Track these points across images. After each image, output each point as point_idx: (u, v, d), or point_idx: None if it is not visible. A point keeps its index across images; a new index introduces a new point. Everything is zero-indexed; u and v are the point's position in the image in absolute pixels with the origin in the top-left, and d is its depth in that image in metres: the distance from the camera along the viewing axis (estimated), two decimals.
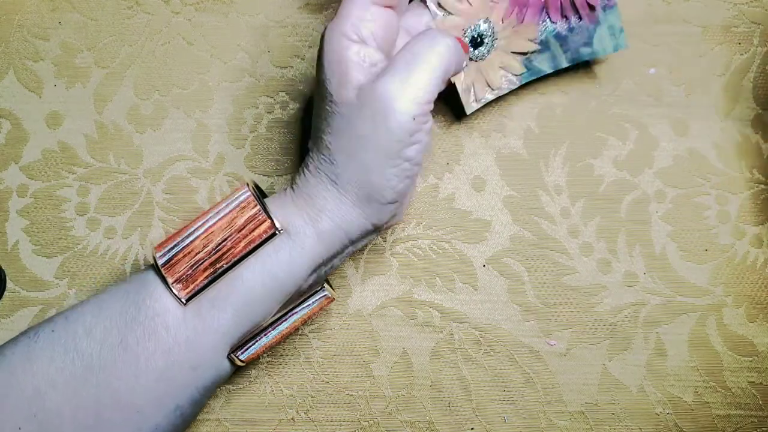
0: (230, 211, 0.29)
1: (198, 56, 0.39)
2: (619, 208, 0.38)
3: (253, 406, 0.36)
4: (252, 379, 0.37)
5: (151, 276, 0.29)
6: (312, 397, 0.36)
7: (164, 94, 0.39)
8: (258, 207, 0.29)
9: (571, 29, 0.36)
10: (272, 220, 0.29)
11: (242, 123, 0.39)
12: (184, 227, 0.30)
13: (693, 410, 0.36)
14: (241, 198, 0.30)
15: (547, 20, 0.36)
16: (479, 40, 0.35)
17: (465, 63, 0.33)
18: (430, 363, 0.37)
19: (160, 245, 0.29)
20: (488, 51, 0.36)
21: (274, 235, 0.29)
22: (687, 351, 0.37)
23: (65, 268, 0.37)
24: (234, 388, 0.36)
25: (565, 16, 0.36)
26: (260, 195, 0.31)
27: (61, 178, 0.38)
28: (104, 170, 0.38)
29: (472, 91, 0.37)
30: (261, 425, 0.36)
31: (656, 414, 0.36)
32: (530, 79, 0.37)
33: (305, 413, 0.36)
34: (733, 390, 0.36)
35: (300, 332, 0.37)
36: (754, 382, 0.36)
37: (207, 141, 0.38)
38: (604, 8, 0.35)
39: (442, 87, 0.30)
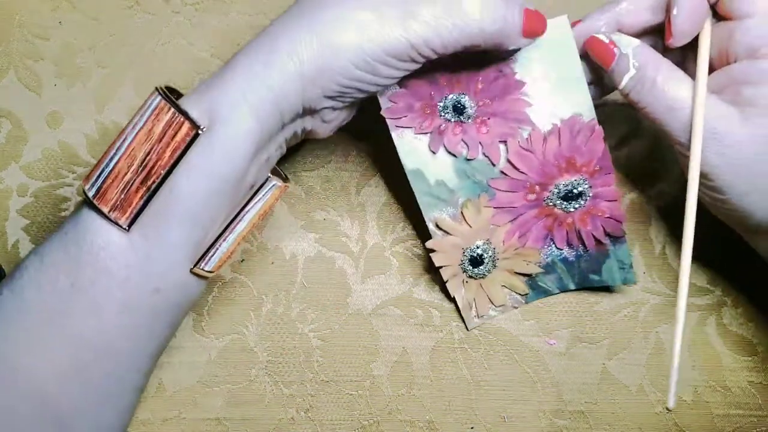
0: (146, 122, 0.27)
1: (198, 56, 0.39)
2: None
3: (253, 406, 0.36)
4: (252, 379, 0.37)
5: (86, 211, 0.28)
6: (312, 396, 0.37)
7: None
8: (172, 110, 0.27)
9: (578, 256, 0.35)
10: (191, 120, 0.27)
11: None
12: (106, 151, 0.28)
13: (692, 410, 0.36)
14: (153, 105, 0.27)
15: (553, 246, 0.35)
16: (478, 259, 0.35)
17: (512, 47, 0.30)
18: (430, 362, 0.37)
19: (87, 177, 0.28)
20: (488, 270, 0.35)
21: (197, 135, 0.27)
22: (687, 351, 0.37)
23: None
24: (234, 388, 0.36)
25: (570, 245, 0.35)
26: (176, 96, 0.29)
27: (61, 177, 0.38)
28: None
29: (474, 307, 0.36)
30: (261, 425, 0.36)
31: (656, 413, 0.36)
32: (537, 299, 0.36)
33: (305, 413, 0.36)
34: (732, 389, 0.36)
35: (300, 332, 0.37)
36: (753, 381, 0.37)
37: None
38: (614, 243, 0.34)
39: (455, 49, 0.28)
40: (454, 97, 0.33)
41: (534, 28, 0.30)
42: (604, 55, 0.31)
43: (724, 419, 0.36)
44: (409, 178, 0.33)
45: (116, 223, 0.27)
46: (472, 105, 0.33)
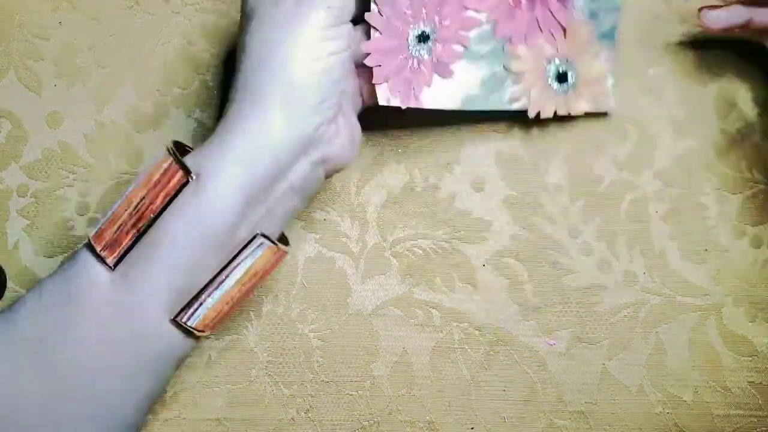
0: (148, 172, 0.28)
1: (198, 56, 0.39)
2: (619, 208, 0.38)
3: (253, 406, 0.36)
4: (252, 379, 0.37)
5: (83, 251, 0.29)
6: (312, 397, 0.37)
7: (164, 94, 0.39)
8: (171, 159, 0.28)
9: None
10: (184, 167, 0.28)
11: None
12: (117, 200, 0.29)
13: (692, 410, 0.36)
14: (159, 156, 0.29)
15: None
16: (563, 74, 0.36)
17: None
18: (430, 363, 0.37)
19: (95, 223, 0.29)
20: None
21: (187, 182, 0.27)
22: (687, 351, 0.37)
23: None
24: (234, 388, 0.37)
25: None
26: (184, 151, 0.30)
27: (61, 177, 0.38)
28: (104, 170, 0.38)
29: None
30: (261, 425, 0.36)
31: (656, 413, 0.36)
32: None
33: (305, 413, 0.36)
34: (732, 390, 0.36)
35: (300, 332, 0.37)
36: (753, 381, 0.37)
37: None
38: None
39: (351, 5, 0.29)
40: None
41: None
42: None
43: (724, 419, 0.36)
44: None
45: (104, 261, 0.28)
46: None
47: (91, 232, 0.28)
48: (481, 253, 0.38)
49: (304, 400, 0.37)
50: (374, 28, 0.31)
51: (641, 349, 0.37)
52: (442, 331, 0.37)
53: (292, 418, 0.36)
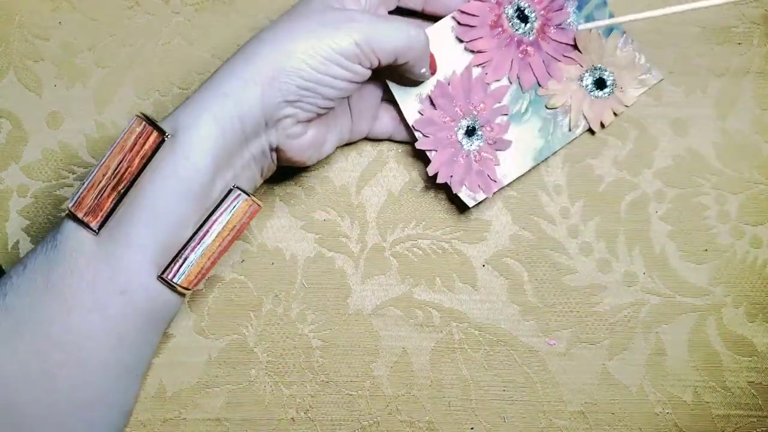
0: (122, 138, 0.29)
1: (198, 56, 0.39)
2: (618, 208, 0.38)
3: (253, 406, 0.36)
4: (252, 379, 0.37)
5: (66, 222, 0.29)
6: (312, 397, 0.37)
7: (164, 94, 0.39)
8: (144, 123, 0.29)
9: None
10: (158, 129, 0.29)
11: None
12: (89, 171, 0.30)
13: (692, 410, 0.36)
14: (130, 123, 0.30)
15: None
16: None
17: (423, 70, 0.34)
18: (430, 363, 0.37)
19: (72, 196, 0.30)
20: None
21: (163, 141, 0.29)
22: (686, 351, 0.37)
23: None
24: (234, 388, 0.37)
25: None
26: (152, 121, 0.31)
27: (61, 178, 0.38)
28: None
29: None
30: (261, 425, 0.36)
31: (656, 414, 0.36)
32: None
33: (305, 413, 0.36)
34: (732, 390, 0.36)
35: (300, 332, 0.37)
36: (753, 382, 0.37)
37: None
38: None
39: (389, 59, 0.31)
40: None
41: (433, 66, 0.35)
42: None
43: (724, 419, 0.36)
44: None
45: (88, 226, 0.29)
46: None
47: (70, 203, 0.29)
48: (481, 253, 0.38)
49: (304, 400, 0.37)
50: (428, 150, 0.36)
51: (641, 349, 0.37)
52: (442, 331, 0.37)
53: (292, 418, 0.36)
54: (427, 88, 0.36)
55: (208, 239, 0.30)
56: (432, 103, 0.36)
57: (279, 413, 0.36)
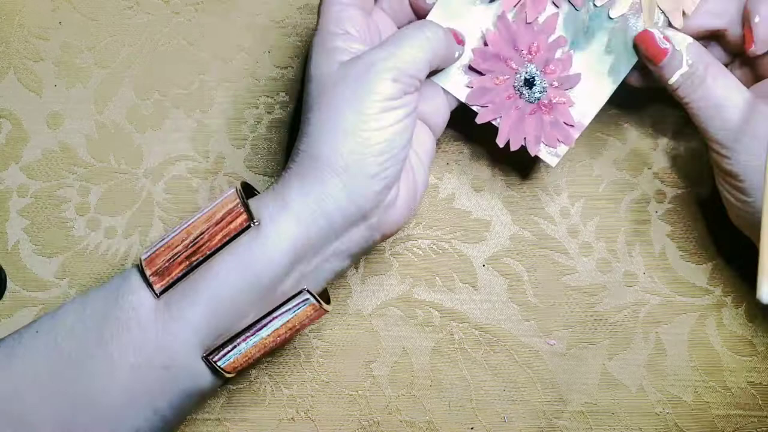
0: (213, 207, 0.29)
1: (198, 56, 0.39)
2: (618, 208, 0.38)
3: (253, 406, 0.36)
4: (252, 379, 0.37)
5: (134, 272, 0.29)
6: (312, 397, 0.37)
7: (164, 94, 0.39)
8: (238, 201, 0.29)
9: None
10: (249, 212, 0.28)
11: (242, 123, 0.39)
12: (175, 226, 0.30)
13: (692, 410, 0.36)
14: (226, 195, 0.30)
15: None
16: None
17: (457, 54, 0.32)
18: (430, 363, 0.37)
19: (151, 245, 0.29)
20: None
21: (249, 227, 0.28)
22: (686, 351, 0.37)
23: (66, 268, 0.37)
24: (234, 388, 0.37)
25: None
26: (250, 194, 0.31)
27: (61, 178, 0.38)
28: (104, 170, 0.38)
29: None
30: (261, 425, 0.36)
31: (656, 414, 0.36)
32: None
33: (305, 413, 0.36)
34: (732, 390, 0.36)
35: (300, 332, 0.37)
36: (753, 382, 0.37)
37: (207, 141, 0.38)
38: None
39: (427, 70, 0.30)
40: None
41: (459, 40, 0.32)
42: (657, 51, 0.31)
43: (724, 419, 0.36)
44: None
45: (151, 287, 0.28)
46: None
47: (144, 255, 0.29)
48: (481, 253, 0.38)
49: (304, 400, 0.37)
50: (492, 121, 0.33)
51: (641, 349, 0.37)
52: (442, 331, 0.37)
53: (292, 418, 0.36)
54: (465, 59, 0.33)
55: (264, 333, 0.29)
56: (478, 72, 0.33)
57: (279, 413, 0.36)
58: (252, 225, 0.28)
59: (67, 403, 0.27)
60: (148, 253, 0.29)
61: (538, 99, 0.33)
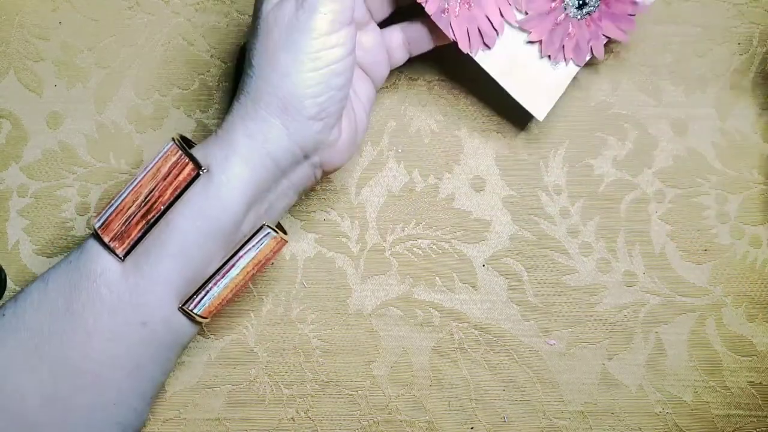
0: (155, 163, 0.29)
1: (198, 56, 0.39)
2: (618, 208, 0.38)
3: (253, 406, 0.36)
4: (252, 379, 0.37)
5: (91, 242, 0.29)
6: (312, 397, 0.37)
7: (164, 94, 0.39)
8: (180, 153, 0.29)
9: None
10: (195, 161, 0.29)
11: None
12: (119, 191, 0.30)
13: (692, 410, 0.36)
14: (165, 149, 0.29)
15: None
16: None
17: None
18: (430, 363, 0.37)
19: (98, 213, 0.29)
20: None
21: (198, 176, 0.28)
22: (686, 351, 0.37)
23: None
24: (234, 388, 0.37)
25: None
26: (188, 145, 0.31)
27: (61, 177, 0.38)
28: (105, 170, 0.38)
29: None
30: (261, 425, 0.36)
31: (656, 413, 0.36)
32: None
33: (305, 413, 0.36)
34: (732, 390, 0.36)
35: (300, 332, 0.37)
36: (753, 381, 0.37)
37: None
38: None
39: (361, 6, 0.31)
40: None
41: None
42: None
43: (724, 419, 0.36)
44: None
45: (114, 252, 0.28)
46: None
47: (97, 223, 0.29)
48: (481, 253, 0.38)
49: (304, 400, 0.37)
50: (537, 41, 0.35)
51: (641, 349, 0.37)
52: (442, 331, 0.37)
53: (292, 418, 0.36)
54: None
55: (233, 272, 0.30)
56: None
57: (279, 413, 0.36)
58: (201, 173, 0.28)
59: (48, 376, 0.28)
60: (101, 221, 0.29)
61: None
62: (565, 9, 0.35)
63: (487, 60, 0.35)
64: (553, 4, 0.35)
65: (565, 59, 0.36)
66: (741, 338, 0.37)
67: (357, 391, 0.37)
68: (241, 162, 0.29)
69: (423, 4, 0.33)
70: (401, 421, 0.36)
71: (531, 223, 0.38)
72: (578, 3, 0.35)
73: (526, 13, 0.35)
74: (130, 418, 0.30)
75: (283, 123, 0.29)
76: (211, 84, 0.39)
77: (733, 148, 0.38)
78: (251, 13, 0.40)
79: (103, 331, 0.28)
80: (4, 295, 0.37)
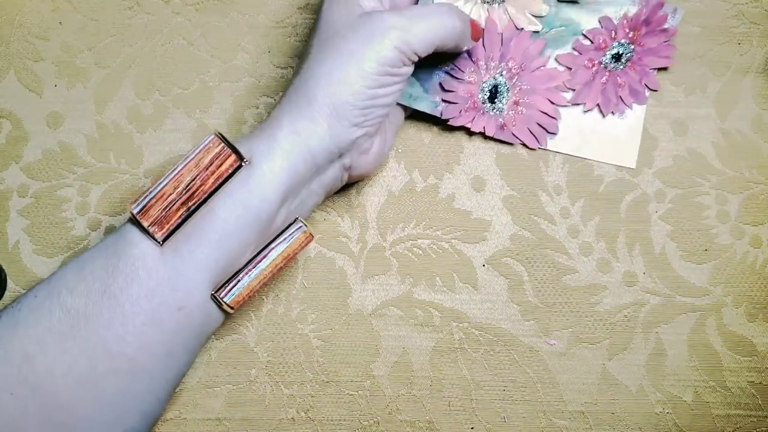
0: (196, 154, 0.30)
1: (198, 56, 0.39)
2: (618, 208, 0.38)
3: (253, 406, 0.36)
4: (252, 379, 0.37)
5: (129, 227, 0.30)
6: (312, 397, 0.37)
7: (164, 94, 0.39)
8: (222, 144, 0.30)
9: None
10: (237, 153, 0.30)
11: (242, 123, 0.39)
12: (156, 180, 0.30)
13: (692, 410, 0.36)
14: (206, 141, 0.30)
15: None
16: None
17: (465, 48, 0.35)
18: (430, 363, 0.37)
19: (135, 200, 0.30)
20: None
21: (240, 167, 0.30)
22: (686, 351, 0.37)
23: None
24: (234, 388, 0.37)
25: None
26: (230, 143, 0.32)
27: (61, 177, 0.38)
28: (105, 170, 0.38)
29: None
30: (261, 425, 0.36)
31: (656, 413, 0.36)
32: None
33: (305, 413, 0.36)
34: (732, 390, 0.36)
35: (300, 332, 0.37)
36: (753, 381, 0.37)
37: None
38: None
39: (430, 50, 0.32)
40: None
41: (476, 34, 0.35)
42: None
43: (724, 419, 0.36)
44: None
45: (153, 237, 0.29)
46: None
47: (135, 209, 0.29)
48: (481, 253, 0.38)
49: (304, 400, 0.37)
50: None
51: (641, 349, 0.37)
52: (442, 331, 0.37)
53: (292, 418, 0.36)
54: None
55: (263, 264, 0.31)
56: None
57: (279, 413, 0.36)
58: (243, 164, 0.30)
59: (82, 357, 0.28)
60: (140, 207, 0.29)
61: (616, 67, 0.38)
62: (606, 67, 0.37)
63: (559, 144, 0.38)
64: (593, 70, 0.37)
65: (628, 106, 0.38)
66: (741, 338, 0.37)
67: (357, 391, 0.37)
68: (283, 155, 0.30)
69: (482, 131, 0.38)
70: (401, 421, 0.36)
71: (531, 223, 0.38)
72: (613, 56, 0.37)
73: (573, 90, 0.37)
74: (153, 408, 0.30)
75: (329, 125, 0.30)
76: (211, 84, 0.39)
77: (733, 148, 0.38)
78: (251, 13, 0.40)
79: (140, 315, 0.28)
80: (5, 296, 0.37)
